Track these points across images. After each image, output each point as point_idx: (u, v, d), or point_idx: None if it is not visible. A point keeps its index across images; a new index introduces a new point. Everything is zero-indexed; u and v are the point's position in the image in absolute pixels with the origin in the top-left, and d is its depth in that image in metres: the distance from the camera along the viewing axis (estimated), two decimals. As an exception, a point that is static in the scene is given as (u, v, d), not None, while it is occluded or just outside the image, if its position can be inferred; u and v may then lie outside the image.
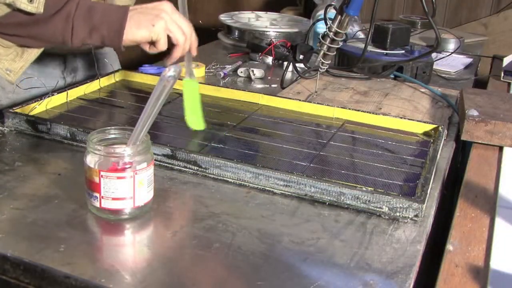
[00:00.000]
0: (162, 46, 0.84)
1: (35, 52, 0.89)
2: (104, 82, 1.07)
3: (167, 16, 0.82)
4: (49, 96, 0.95)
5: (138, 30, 0.81)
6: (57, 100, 0.97)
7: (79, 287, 0.54)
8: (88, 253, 0.58)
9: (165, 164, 0.77)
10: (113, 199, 0.63)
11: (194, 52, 0.88)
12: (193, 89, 0.87)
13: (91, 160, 0.63)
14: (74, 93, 1.01)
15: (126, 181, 0.63)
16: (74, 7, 0.79)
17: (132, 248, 0.62)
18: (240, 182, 0.74)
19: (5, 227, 0.61)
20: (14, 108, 0.88)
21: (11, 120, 0.86)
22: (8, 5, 0.77)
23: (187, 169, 0.77)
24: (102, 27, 0.81)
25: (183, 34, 0.84)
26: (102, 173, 0.62)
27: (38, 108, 0.92)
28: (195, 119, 0.87)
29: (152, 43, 0.84)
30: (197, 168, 0.76)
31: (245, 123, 0.94)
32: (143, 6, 0.84)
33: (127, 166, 0.63)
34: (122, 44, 0.83)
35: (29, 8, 0.77)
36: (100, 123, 0.91)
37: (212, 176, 0.75)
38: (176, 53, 0.86)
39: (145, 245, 0.61)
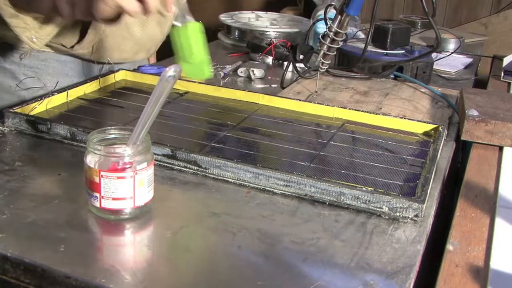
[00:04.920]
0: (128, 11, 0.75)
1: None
2: (104, 82, 1.07)
3: None
4: (49, 96, 0.95)
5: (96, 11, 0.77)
6: (57, 100, 0.97)
7: (79, 287, 0.54)
8: (89, 253, 0.58)
9: (165, 164, 0.77)
10: (113, 199, 0.63)
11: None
12: (193, 32, 0.73)
13: (91, 160, 0.63)
14: (74, 93, 1.01)
15: (126, 181, 0.63)
16: None
17: (132, 248, 0.62)
18: (240, 182, 0.74)
19: (6, 227, 0.61)
20: (14, 108, 0.88)
21: (11, 120, 0.86)
22: None
23: (187, 169, 0.77)
24: (80, 2, 0.79)
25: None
26: (102, 173, 0.62)
27: (38, 108, 0.92)
28: (198, 67, 0.72)
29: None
30: (197, 168, 0.76)
31: (245, 123, 0.94)
32: None
33: (127, 166, 0.63)
34: (98, 17, 0.77)
35: None
36: (100, 123, 0.91)
37: (212, 176, 0.75)
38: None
39: (145, 245, 0.61)
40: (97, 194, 0.63)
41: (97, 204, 0.64)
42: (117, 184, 0.62)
